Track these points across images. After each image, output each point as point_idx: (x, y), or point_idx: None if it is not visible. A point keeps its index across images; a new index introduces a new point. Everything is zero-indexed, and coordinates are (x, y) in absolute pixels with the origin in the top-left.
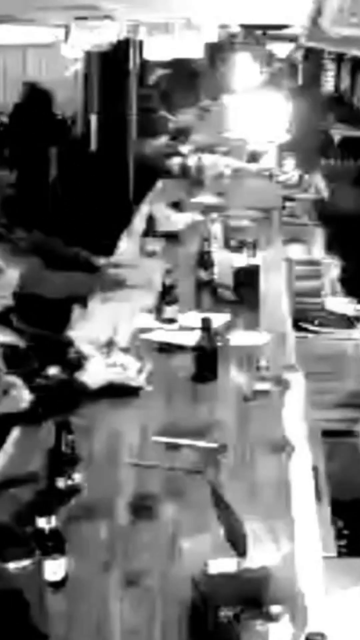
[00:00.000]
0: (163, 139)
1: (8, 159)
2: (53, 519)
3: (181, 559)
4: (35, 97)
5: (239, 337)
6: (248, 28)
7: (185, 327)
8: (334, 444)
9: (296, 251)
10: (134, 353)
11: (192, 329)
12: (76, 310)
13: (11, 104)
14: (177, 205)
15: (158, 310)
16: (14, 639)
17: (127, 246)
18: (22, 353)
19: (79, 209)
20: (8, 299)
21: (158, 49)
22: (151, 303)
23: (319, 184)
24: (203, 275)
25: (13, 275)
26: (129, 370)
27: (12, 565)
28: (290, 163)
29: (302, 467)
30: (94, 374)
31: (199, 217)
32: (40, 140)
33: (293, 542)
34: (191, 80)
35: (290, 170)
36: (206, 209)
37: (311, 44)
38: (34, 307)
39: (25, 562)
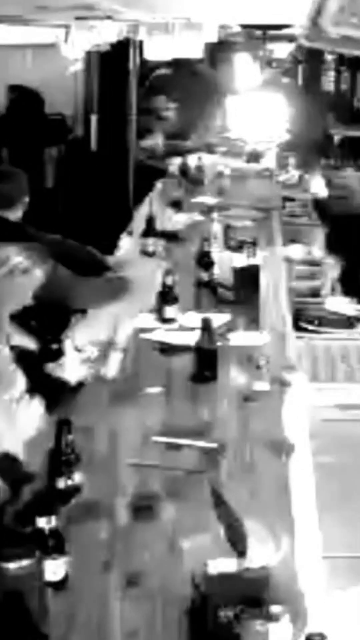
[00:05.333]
0: (162, 139)
1: (7, 159)
2: (53, 519)
3: (181, 559)
4: (24, 98)
5: (239, 337)
6: (248, 28)
7: (185, 327)
8: None
9: (296, 251)
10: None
11: (192, 329)
12: (76, 313)
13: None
14: (177, 205)
15: (158, 310)
16: (14, 639)
17: (127, 246)
18: (33, 356)
19: (79, 209)
20: (28, 300)
21: (158, 49)
22: (151, 303)
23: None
24: (203, 275)
25: (37, 276)
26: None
27: (12, 565)
28: (290, 163)
29: (302, 467)
30: (71, 370)
31: (199, 217)
32: (37, 141)
33: (293, 542)
34: (191, 80)
35: (291, 170)
36: (206, 209)
37: (311, 44)
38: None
39: (25, 562)
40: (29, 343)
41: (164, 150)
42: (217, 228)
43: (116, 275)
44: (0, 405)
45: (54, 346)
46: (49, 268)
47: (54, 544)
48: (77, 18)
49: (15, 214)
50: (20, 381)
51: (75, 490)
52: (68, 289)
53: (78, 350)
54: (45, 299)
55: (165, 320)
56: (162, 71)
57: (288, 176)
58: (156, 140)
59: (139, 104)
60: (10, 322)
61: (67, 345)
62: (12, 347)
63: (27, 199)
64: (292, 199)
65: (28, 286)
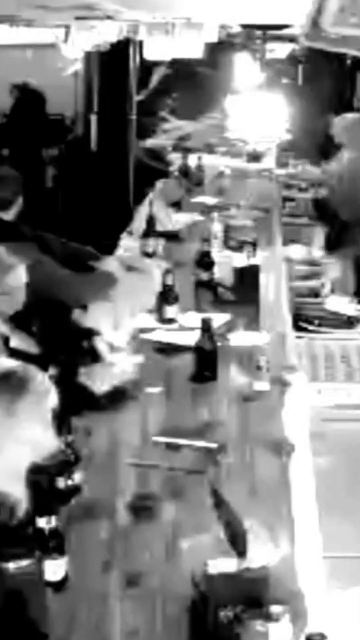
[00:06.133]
0: (163, 139)
1: (8, 159)
2: (53, 519)
3: (181, 559)
4: (28, 98)
5: (239, 337)
6: (248, 28)
7: (185, 327)
8: None
9: (296, 251)
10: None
11: (192, 329)
12: (76, 310)
13: (10, 104)
14: (177, 205)
15: (158, 310)
16: (14, 638)
17: (127, 246)
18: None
19: (79, 209)
20: (19, 298)
21: (158, 49)
22: (151, 303)
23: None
24: (203, 275)
25: (22, 273)
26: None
27: (12, 565)
28: (290, 163)
29: (302, 467)
30: (99, 379)
31: (199, 217)
32: (38, 141)
33: (293, 542)
34: (192, 80)
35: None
36: (206, 209)
37: (311, 44)
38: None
39: (25, 562)
40: (30, 346)
41: (165, 150)
42: (217, 228)
43: (103, 271)
44: (39, 414)
45: (85, 344)
46: (35, 264)
47: (54, 544)
48: (77, 18)
49: (9, 215)
50: (54, 390)
51: (75, 490)
52: (59, 284)
53: (112, 346)
54: (38, 296)
55: (165, 320)
56: (164, 72)
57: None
58: (158, 140)
59: (141, 105)
60: (8, 323)
61: (99, 341)
62: (11, 351)
63: (21, 200)
64: (292, 199)
65: (14, 284)
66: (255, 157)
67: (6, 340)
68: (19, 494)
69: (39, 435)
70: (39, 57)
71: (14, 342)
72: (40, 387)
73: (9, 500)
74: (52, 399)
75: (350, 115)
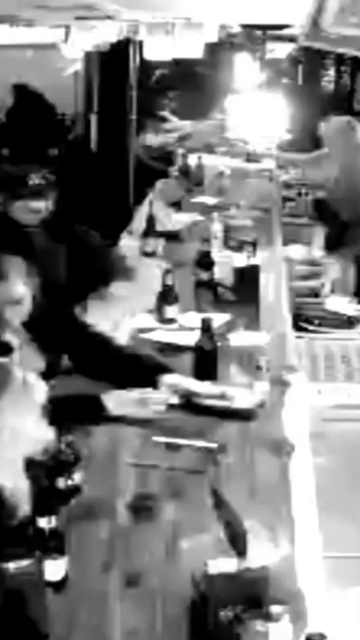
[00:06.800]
0: (162, 139)
1: (8, 158)
2: (53, 519)
3: (181, 559)
4: (27, 98)
5: (239, 337)
6: (248, 28)
7: (185, 327)
8: None
9: (296, 251)
10: None
11: (192, 329)
12: (76, 309)
13: (10, 104)
14: (177, 205)
15: (158, 310)
16: (14, 638)
17: (127, 246)
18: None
19: (78, 209)
20: (26, 307)
21: (158, 49)
22: (151, 303)
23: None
24: (203, 275)
25: (21, 289)
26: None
27: (12, 565)
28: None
29: (302, 467)
30: (117, 402)
31: (199, 217)
32: (38, 140)
33: (293, 542)
34: (193, 81)
35: (291, 170)
36: (206, 209)
37: (311, 44)
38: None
39: (25, 562)
40: (38, 361)
41: (169, 148)
42: (217, 228)
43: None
44: (28, 407)
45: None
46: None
47: (54, 544)
48: (77, 18)
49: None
50: (43, 386)
51: (75, 490)
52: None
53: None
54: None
55: (165, 320)
56: (165, 71)
57: (292, 175)
58: (158, 140)
59: (141, 104)
60: (16, 333)
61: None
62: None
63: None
64: (292, 199)
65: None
66: (255, 157)
67: (9, 349)
68: (16, 486)
69: (32, 428)
70: (39, 57)
71: (24, 354)
72: (27, 381)
73: (5, 493)
74: (40, 393)
75: (339, 118)
